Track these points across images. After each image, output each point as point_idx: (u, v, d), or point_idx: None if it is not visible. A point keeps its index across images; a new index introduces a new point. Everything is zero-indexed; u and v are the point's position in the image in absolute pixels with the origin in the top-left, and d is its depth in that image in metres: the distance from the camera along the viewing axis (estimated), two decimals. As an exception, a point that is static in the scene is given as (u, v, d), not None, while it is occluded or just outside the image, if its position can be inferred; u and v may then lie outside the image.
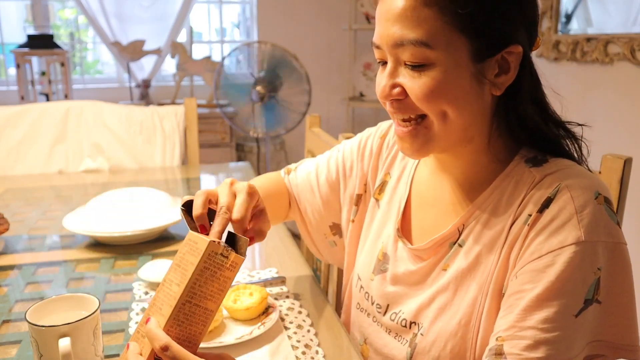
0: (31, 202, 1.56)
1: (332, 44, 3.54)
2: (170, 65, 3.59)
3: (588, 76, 2.16)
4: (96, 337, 0.72)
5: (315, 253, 1.05)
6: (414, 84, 0.65)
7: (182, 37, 3.49)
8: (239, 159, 3.35)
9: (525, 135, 0.71)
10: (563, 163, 0.69)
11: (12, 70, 3.25)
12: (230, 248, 0.63)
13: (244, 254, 0.64)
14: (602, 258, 0.62)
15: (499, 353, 0.62)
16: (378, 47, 0.69)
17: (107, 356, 0.80)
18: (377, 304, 0.83)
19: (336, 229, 0.98)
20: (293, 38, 3.43)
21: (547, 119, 0.72)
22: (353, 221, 0.93)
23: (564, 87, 2.27)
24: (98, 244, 1.23)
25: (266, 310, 0.90)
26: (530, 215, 0.65)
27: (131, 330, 0.87)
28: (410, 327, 0.77)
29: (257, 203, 0.75)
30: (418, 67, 0.65)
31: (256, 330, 0.84)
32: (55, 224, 1.37)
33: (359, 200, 0.93)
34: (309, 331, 0.87)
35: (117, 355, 0.81)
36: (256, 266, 1.16)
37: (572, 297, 0.61)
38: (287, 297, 0.98)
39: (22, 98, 2.96)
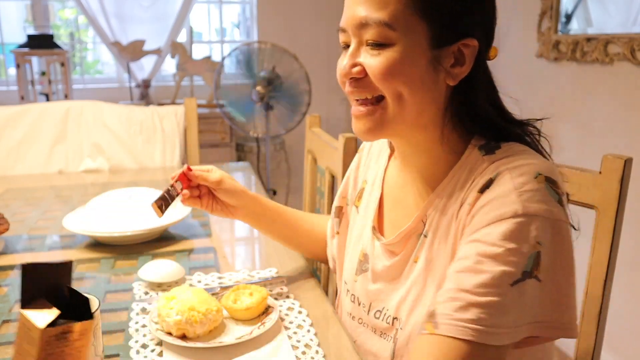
0: (31, 202, 1.56)
1: (332, 44, 3.54)
2: (170, 65, 3.59)
3: (588, 76, 2.16)
4: (96, 337, 0.72)
5: None
6: (373, 61, 0.68)
7: (182, 37, 3.49)
8: (239, 159, 3.35)
9: (477, 126, 0.73)
10: (514, 149, 0.70)
11: (12, 70, 3.25)
12: (69, 321, 0.56)
13: (93, 315, 0.61)
14: (542, 233, 0.61)
15: (431, 315, 0.63)
16: (343, 31, 0.72)
17: (107, 356, 0.80)
18: (362, 304, 0.85)
19: None
20: (293, 38, 3.43)
21: (502, 116, 0.74)
22: (338, 233, 0.98)
23: (564, 87, 2.27)
24: (98, 244, 1.23)
25: (266, 310, 0.90)
26: (474, 197, 0.67)
27: (131, 330, 0.87)
28: (393, 324, 0.78)
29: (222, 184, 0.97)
30: (378, 45, 0.68)
31: (256, 330, 0.84)
32: (55, 224, 1.37)
33: (339, 212, 0.98)
34: (309, 331, 0.87)
35: (117, 355, 0.81)
36: (256, 266, 1.16)
37: (508, 266, 0.60)
38: (287, 297, 0.98)
39: (22, 98, 2.96)
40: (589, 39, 2.12)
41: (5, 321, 0.91)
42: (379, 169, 0.89)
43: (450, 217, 0.71)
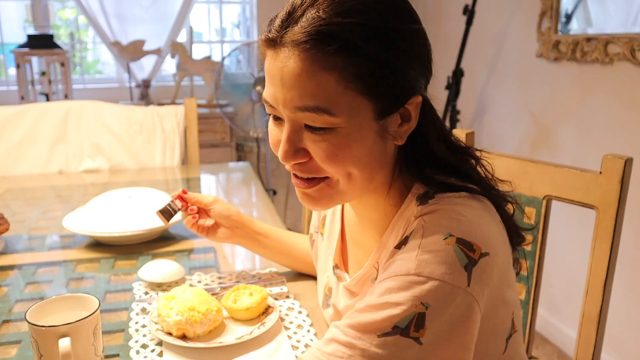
0: (31, 202, 1.56)
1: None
2: (170, 65, 3.59)
3: (588, 76, 2.16)
4: (96, 337, 0.72)
5: None
6: (318, 147, 0.63)
7: (182, 37, 3.49)
8: (239, 159, 3.35)
9: (433, 168, 0.69)
10: (443, 201, 0.65)
11: (12, 70, 3.25)
12: None
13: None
14: (432, 296, 0.57)
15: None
16: (271, 106, 0.65)
17: (107, 356, 0.80)
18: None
19: None
20: (293, 38, 3.42)
21: (453, 149, 0.71)
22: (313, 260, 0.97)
23: (564, 87, 2.27)
24: (98, 244, 1.23)
25: (266, 310, 0.90)
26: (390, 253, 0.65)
27: (131, 330, 0.87)
28: None
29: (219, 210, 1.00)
30: (320, 130, 0.62)
31: (256, 330, 0.84)
32: (55, 224, 1.37)
33: (312, 242, 0.95)
34: (309, 331, 0.87)
35: (117, 355, 0.81)
36: (256, 266, 1.16)
37: (380, 318, 0.58)
38: (287, 297, 0.98)
39: (22, 98, 2.96)
40: (589, 39, 2.12)
41: (5, 321, 0.91)
42: None
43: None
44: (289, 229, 1.31)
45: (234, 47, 2.97)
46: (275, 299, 0.97)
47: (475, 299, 0.58)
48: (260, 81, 2.86)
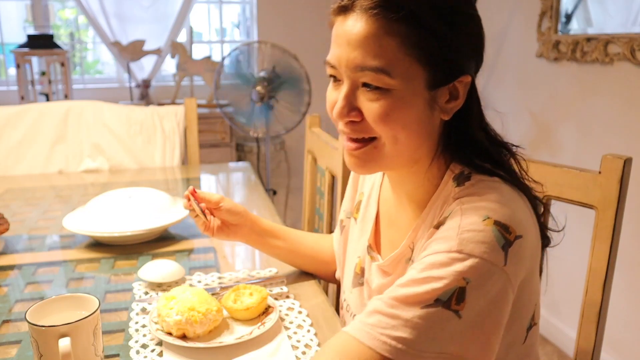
0: (31, 202, 1.56)
1: (332, 44, 3.54)
2: (170, 65, 3.59)
3: (588, 76, 2.16)
4: (96, 337, 0.72)
5: None
6: (372, 106, 0.68)
7: (182, 37, 3.49)
8: (239, 159, 3.35)
9: (470, 152, 0.73)
10: (479, 185, 0.69)
11: (12, 70, 3.25)
12: None
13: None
14: (472, 272, 0.60)
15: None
16: (333, 67, 0.71)
17: (107, 356, 0.81)
18: (354, 315, 0.86)
19: None
20: (293, 38, 3.43)
21: (491, 140, 0.75)
22: (340, 243, 0.99)
23: (564, 87, 2.27)
24: (98, 244, 1.23)
25: (266, 310, 0.90)
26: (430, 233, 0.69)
27: (131, 330, 0.87)
28: None
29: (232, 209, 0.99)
30: (377, 89, 0.67)
31: (256, 330, 0.84)
32: (55, 224, 1.37)
33: (342, 228, 0.99)
34: (309, 331, 0.87)
35: (117, 355, 0.81)
36: (256, 266, 1.16)
37: (423, 290, 0.61)
38: (287, 297, 0.98)
39: (22, 98, 2.96)
40: (589, 39, 2.12)
41: (5, 321, 0.91)
42: (374, 184, 0.90)
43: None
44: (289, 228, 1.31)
45: (234, 47, 2.97)
46: (275, 299, 0.97)
47: (509, 279, 0.62)
48: (260, 81, 2.87)
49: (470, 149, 0.73)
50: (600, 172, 0.87)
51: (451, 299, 0.60)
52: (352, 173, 0.99)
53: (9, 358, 0.81)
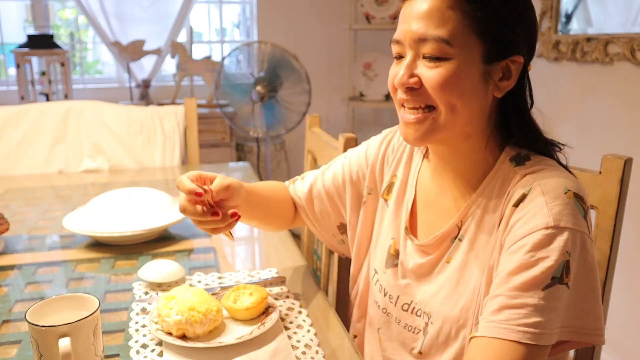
0: (31, 202, 1.56)
1: (332, 44, 3.54)
2: (170, 65, 3.59)
3: (588, 76, 2.16)
4: (96, 337, 0.72)
5: (328, 246, 1.13)
6: (431, 73, 0.73)
7: (182, 37, 3.49)
8: (239, 159, 3.35)
9: (514, 135, 0.79)
10: (542, 162, 0.76)
11: (12, 70, 3.25)
12: None
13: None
14: (571, 244, 0.67)
15: (477, 323, 0.71)
16: (398, 42, 0.77)
17: (107, 356, 0.81)
18: (390, 295, 0.89)
19: (343, 228, 1.05)
20: (293, 38, 3.43)
21: (537, 128, 0.80)
22: (361, 224, 1.00)
23: (564, 87, 2.27)
24: (98, 244, 1.23)
25: (266, 310, 0.90)
26: (510, 210, 0.73)
27: (131, 330, 0.87)
28: (421, 316, 0.84)
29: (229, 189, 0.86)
30: (436, 59, 0.72)
31: (256, 330, 0.84)
32: (55, 224, 1.37)
33: (364, 204, 0.99)
34: (309, 331, 0.87)
35: (117, 355, 0.81)
36: (256, 266, 1.16)
37: (539, 272, 0.66)
38: (287, 297, 0.98)
39: (22, 98, 2.96)
40: (589, 39, 2.12)
41: (5, 321, 0.91)
42: (411, 169, 0.92)
43: (490, 228, 0.77)
44: (289, 230, 1.31)
45: (234, 47, 2.97)
46: (275, 299, 0.97)
47: (593, 244, 0.70)
48: (260, 81, 2.87)
49: (524, 131, 0.77)
50: (600, 172, 0.87)
51: (562, 273, 0.66)
52: (374, 151, 0.99)
53: (9, 358, 0.81)
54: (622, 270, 1.72)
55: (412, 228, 0.89)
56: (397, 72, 0.76)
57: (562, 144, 0.79)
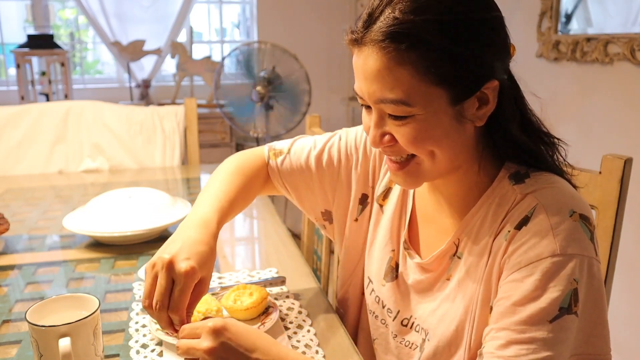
0: (31, 202, 1.56)
1: (332, 44, 3.54)
2: (170, 65, 3.59)
3: (588, 76, 2.16)
4: (96, 337, 0.72)
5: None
6: (399, 132, 0.70)
7: (182, 37, 3.49)
8: (239, 159, 3.35)
9: (510, 150, 0.74)
10: (543, 180, 0.72)
11: (12, 70, 3.25)
12: None
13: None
14: (578, 271, 0.65)
15: (479, 354, 0.68)
16: (360, 97, 0.73)
17: (107, 356, 0.81)
18: (389, 309, 0.87)
19: (327, 215, 0.98)
20: (293, 38, 3.43)
21: (531, 133, 0.76)
22: (356, 220, 0.94)
23: (564, 87, 2.27)
24: (98, 244, 1.23)
25: (266, 310, 0.90)
26: (509, 231, 0.69)
27: (131, 330, 0.87)
28: (419, 332, 0.82)
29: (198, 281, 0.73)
30: (400, 118, 0.69)
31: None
32: (55, 224, 1.37)
33: (364, 199, 0.94)
34: (309, 331, 0.87)
35: (117, 355, 0.81)
36: (256, 266, 1.16)
37: (546, 304, 0.64)
38: (287, 297, 0.98)
39: (22, 98, 2.96)
40: (589, 39, 2.12)
41: (5, 321, 0.91)
42: None
43: (483, 247, 0.73)
44: (289, 229, 1.31)
45: (234, 47, 2.97)
46: (275, 299, 0.97)
47: (600, 267, 0.68)
48: (260, 81, 2.87)
49: (515, 148, 0.74)
50: (600, 172, 0.87)
51: (570, 303, 0.64)
52: (364, 145, 0.94)
53: (9, 358, 0.81)
54: (622, 270, 1.72)
55: (411, 242, 0.86)
56: (368, 126, 0.73)
57: (560, 140, 0.77)
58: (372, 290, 0.90)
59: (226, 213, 0.86)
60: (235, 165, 0.96)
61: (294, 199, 1.00)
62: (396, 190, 0.90)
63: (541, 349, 0.62)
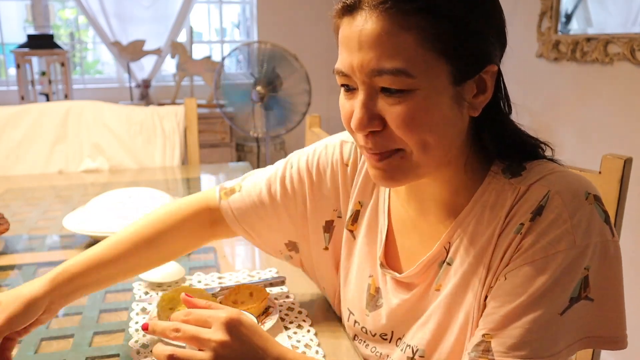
0: (31, 202, 1.56)
1: (332, 44, 3.52)
2: (170, 65, 3.59)
3: (588, 76, 2.16)
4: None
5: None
6: (394, 111, 0.61)
7: (182, 37, 3.49)
8: (239, 159, 3.36)
9: (501, 148, 0.70)
10: (543, 168, 0.67)
11: (12, 70, 3.25)
12: None
13: None
14: (591, 258, 0.62)
15: (486, 350, 0.63)
16: (345, 75, 0.64)
17: (107, 356, 0.81)
18: (382, 334, 0.80)
19: (292, 245, 0.92)
20: (293, 38, 3.43)
21: (520, 132, 0.72)
22: (327, 249, 0.88)
23: (564, 88, 2.27)
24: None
25: (266, 311, 0.90)
26: (522, 224, 0.64)
27: (131, 330, 0.87)
28: (403, 351, 0.76)
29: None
30: (398, 93, 0.61)
31: (256, 330, 0.84)
32: (55, 224, 1.37)
33: (328, 227, 0.87)
34: (309, 331, 0.87)
35: (117, 355, 0.81)
36: (256, 266, 1.16)
37: (559, 298, 0.62)
38: (287, 297, 0.98)
39: (22, 98, 2.97)
40: (589, 39, 2.12)
41: (5, 321, 0.91)
42: (379, 194, 0.82)
43: (485, 244, 0.67)
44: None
45: (234, 47, 2.97)
46: (275, 299, 0.97)
47: (617, 245, 0.65)
48: (260, 81, 2.87)
49: (505, 143, 0.69)
50: (600, 172, 0.87)
51: (580, 291, 0.62)
52: (316, 168, 0.87)
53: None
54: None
55: (390, 260, 0.78)
56: (350, 111, 0.65)
57: (545, 142, 0.72)
58: (355, 322, 0.83)
59: (69, 283, 0.80)
60: (153, 217, 0.89)
61: (252, 237, 0.92)
62: (365, 210, 0.82)
63: (553, 344, 0.61)
